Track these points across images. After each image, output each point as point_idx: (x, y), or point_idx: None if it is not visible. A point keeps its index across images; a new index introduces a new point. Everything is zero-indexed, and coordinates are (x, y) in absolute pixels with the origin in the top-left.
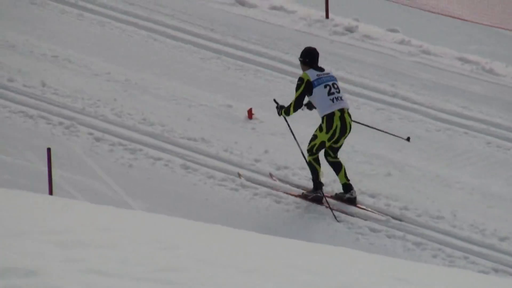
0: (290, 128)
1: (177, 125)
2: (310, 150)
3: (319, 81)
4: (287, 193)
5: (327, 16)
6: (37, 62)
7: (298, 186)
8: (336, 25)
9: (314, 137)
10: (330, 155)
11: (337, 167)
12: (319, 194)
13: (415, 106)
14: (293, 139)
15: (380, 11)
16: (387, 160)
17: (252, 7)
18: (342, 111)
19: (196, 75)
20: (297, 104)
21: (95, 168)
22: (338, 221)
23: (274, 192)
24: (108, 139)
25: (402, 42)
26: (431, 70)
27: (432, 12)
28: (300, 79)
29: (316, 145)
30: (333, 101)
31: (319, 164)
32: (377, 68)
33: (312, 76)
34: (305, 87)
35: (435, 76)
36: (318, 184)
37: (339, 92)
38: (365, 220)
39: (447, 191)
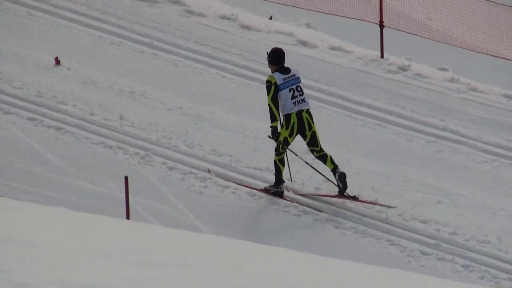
0: (291, 151)
1: (244, 155)
2: (276, 149)
3: (284, 85)
4: (250, 187)
5: (382, 56)
6: (116, 98)
7: (357, 212)
8: (390, 64)
9: (278, 135)
10: (314, 151)
11: (323, 158)
12: (279, 189)
13: (464, 139)
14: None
15: (430, 51)
16: (437, 188)
17: (313, 48)
18: (300, 110)
19: (261, 109)
20: (275, 104)
21: (168, 195)
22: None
23: (332, 217)
24: (180, 168)
25: (451, 80)
26: (478, 106)
27: (479, 52)
28: (268, 82)
29: (281, 142)
30: (295, 104)
31: (283, 164)
32: (428, 104)
33: (279, 80)
34: (274, 88)
35: (482, 112)
36: (280, 181)
37: (302, 94)
38: (417, 243)
39: (493, 217)
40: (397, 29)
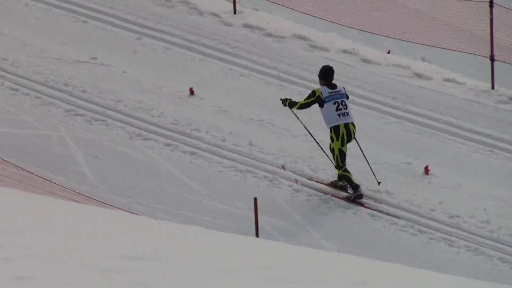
0: (296, 117)
1: (365, 179)
2: (337, 164)
3: (330, 98)
4: (334, 196)
5: (492, 87)
6: (245, 125)
7: (470, 232)
8: (500, 95)
9: (332, 150)
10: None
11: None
12: (358, 193)
13: None
14: (304, 126)
15: None
16: None
17: (428, 79)
18: (347, 123)
19: (380, 136)
20: (303, 107)
21: (294, 215)
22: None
23: (447, 236)
24: (305, 190)
25: None
26: None
27: None
28: (313, 92)
29: (338, 156)
30: (339, 116)
31: (349, 172)
32: None
33: (324, 93)
34: (314, 100)
35: None
36: (355, 186)
37: (346, 108)
38: None
39: None
40: (507, 62)
